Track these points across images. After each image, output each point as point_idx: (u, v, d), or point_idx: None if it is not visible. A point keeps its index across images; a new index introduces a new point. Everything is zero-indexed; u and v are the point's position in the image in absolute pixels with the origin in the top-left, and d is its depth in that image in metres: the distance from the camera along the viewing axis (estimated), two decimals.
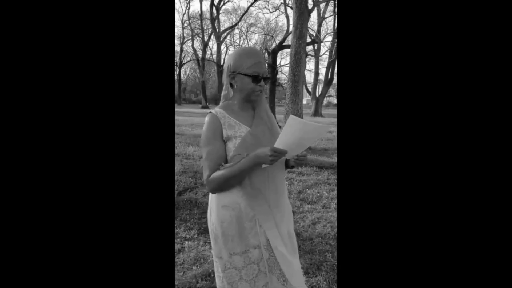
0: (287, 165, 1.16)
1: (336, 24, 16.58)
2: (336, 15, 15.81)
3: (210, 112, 1.09)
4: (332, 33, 15.91)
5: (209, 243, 2.27)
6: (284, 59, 30.14)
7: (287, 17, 13.13)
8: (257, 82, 1.06)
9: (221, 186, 1.05)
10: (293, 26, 6.54)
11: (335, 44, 16.47)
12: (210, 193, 1.15)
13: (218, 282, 1.18)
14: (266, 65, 1.14)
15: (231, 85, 1.10)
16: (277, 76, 11.48)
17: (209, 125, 1.06)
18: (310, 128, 0.91)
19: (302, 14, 6.39)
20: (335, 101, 46.83)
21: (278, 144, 0.94)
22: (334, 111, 27.29)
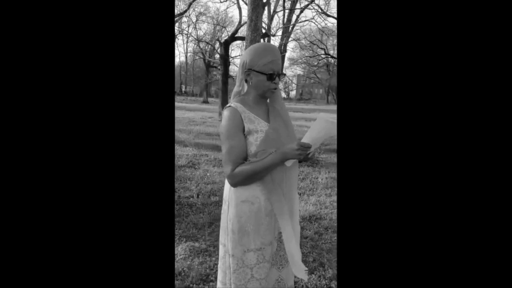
0: None
1: (285, 19, 16.94)
2: (291, 11, 16.14)
3: (230, 106, 1.08)
4: (283, 28, 16.23)
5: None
6: (234, 51, 29.94)
7: (239, 8, 13.02)
8: (272, 80, 1.06)
9: (246, 181, 1.05)
10: (248, 19, 6.53)
11: (285, 38, 16.84)
12: (227, 189, 1.14)
13: (222, 279, 1.16)
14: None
15: (246, 81, 1.10)
16: (229, 68, 11.39)
17: (230, 119, 1.05)
18: (333, 126, 0.95)
19: (257, 7, 6.41)
20: (283, 94, 48.15)
21: (305, 139, 0.97)
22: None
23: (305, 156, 1.00)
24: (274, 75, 1.06)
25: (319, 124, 0.93)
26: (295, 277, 1.33)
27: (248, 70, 1.07)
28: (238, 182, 1.05)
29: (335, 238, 2.46)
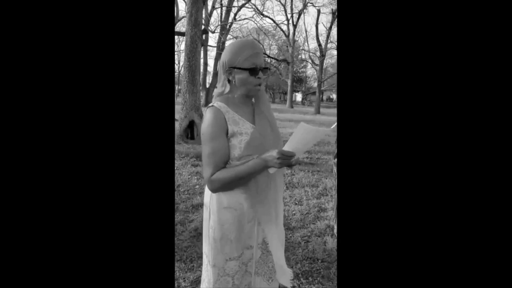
0: None
1: (223, 16, 16.83)
2: (234, 8, 16.05)
3: (212, 105, 0.99)
4: (221, 25, 16.08)
5: None
6: None
7: (176, 2, 12.49)
8: (256, 75, 0.99)
9: (225, 187, 0.98)
10: (187, 13, 6.26)
11: (223, 36, 16.74)
12: (208, 194, 1.05)
13: None
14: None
15: (229, 81, 1.03)
16: None
17: (213, 119, 0.98)
18: (317, 133, 0.92)
19: (197, 1, 6.18)
20: None
21: (286, 148, 0.93)
22: None
23: (287, 164, 0.96)
24: (257, 69, 0.99)
25: (299, 132, 0.91)
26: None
27: (230, 69, 1.01)
28: (218, 188, 0.99)
29: (291, 235, 2.49)
